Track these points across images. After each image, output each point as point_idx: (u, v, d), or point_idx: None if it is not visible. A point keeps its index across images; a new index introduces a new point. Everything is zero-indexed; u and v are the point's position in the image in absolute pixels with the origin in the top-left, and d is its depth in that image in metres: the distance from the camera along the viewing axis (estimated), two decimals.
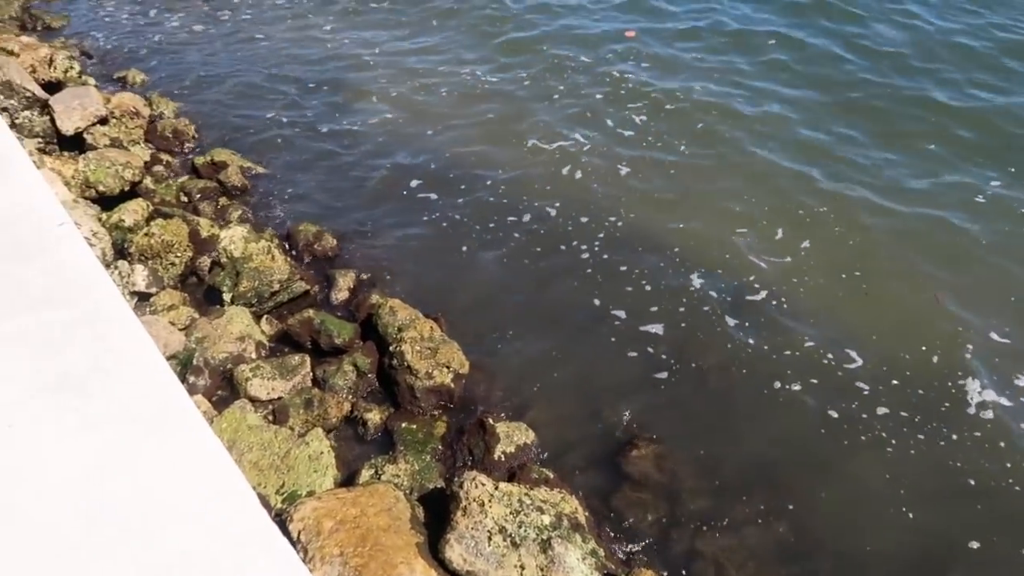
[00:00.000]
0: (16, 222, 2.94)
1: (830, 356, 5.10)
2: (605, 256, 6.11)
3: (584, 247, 6.21)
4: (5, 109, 7.27)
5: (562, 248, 6.22)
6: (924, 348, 5.15)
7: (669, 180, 7.02)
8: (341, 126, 8.09)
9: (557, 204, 6.72)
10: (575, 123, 7.96)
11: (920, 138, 7.55)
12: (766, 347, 5.19)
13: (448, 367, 4.73)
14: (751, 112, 8.08)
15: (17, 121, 7.32)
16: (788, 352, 5.14)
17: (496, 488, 3.67)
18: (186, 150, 7.67)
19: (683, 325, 5.40)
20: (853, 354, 5.11)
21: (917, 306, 5.54)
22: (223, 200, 6.75)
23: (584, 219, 6.52)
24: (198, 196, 6.74)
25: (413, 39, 10.11)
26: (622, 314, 5.51)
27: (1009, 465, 4.34)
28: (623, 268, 5.97)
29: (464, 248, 6.25)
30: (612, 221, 6.49)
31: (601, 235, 6.34)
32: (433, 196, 6.90)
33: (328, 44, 10.01)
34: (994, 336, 5.24)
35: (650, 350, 5.20)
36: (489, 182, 7.09)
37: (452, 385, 4.70)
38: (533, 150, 7.57)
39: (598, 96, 8.45)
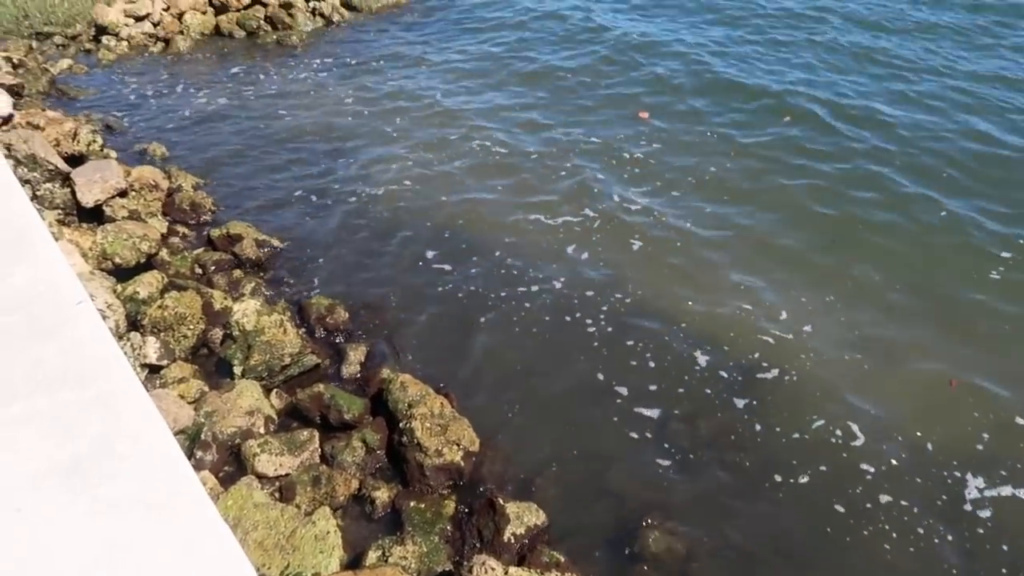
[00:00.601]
0: (35, 299, 2.98)
1: (837, 435, 5.06)
2: (611, 330, 6.13)
3: (590, 321, 6.23)
4: (28, 182, 7.43)
5: (569, 321, 6.24)
6: (931, 434, 5.10)
7: (677, 255, 7.08)
8: (358, 198, 8.22)
9: (563, 278, 6.78)
10: (584, 198, 8.08)
11: (928, 209, 7.62)
12: (775, 427, 5.15)
13: (458, 444, 4.68)
14: (760, 187, 8.19)
15: (39, 193, 7.48)
16: (796, 433, 5.10)
17: (506, 573, 3.58)
18: (203, 222, 7.79)
19: (690, 404, 5.38)
20: (859, 434, 5.07)
21: (929, 389, 5.50)
22: (237, 273, 6.82)
23: (590, 293, 6.56)
24: (213, 268, 6.82)
25: (434, 110, 10.37)
26: (628, 391, 5.50)
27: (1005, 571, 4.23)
28: (630, 343, 5.97)
29: (474, 321, 6.27)
30: (619, 296, 6.52)
31: (607, 309, 6.36)
32: (445, 267, 6.97)
33: (348, 117, 10.27)
34: (1011, 426, 5.17)
35: (657, 429, 5.17)
36: (499, 253, 7.17)
37: (462, 463, 4.65)
38: (542, 223, 7.66)
39: (608, 172, 8.59)
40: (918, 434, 5.09)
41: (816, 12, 13.88)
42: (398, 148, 9.30)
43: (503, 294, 6.59)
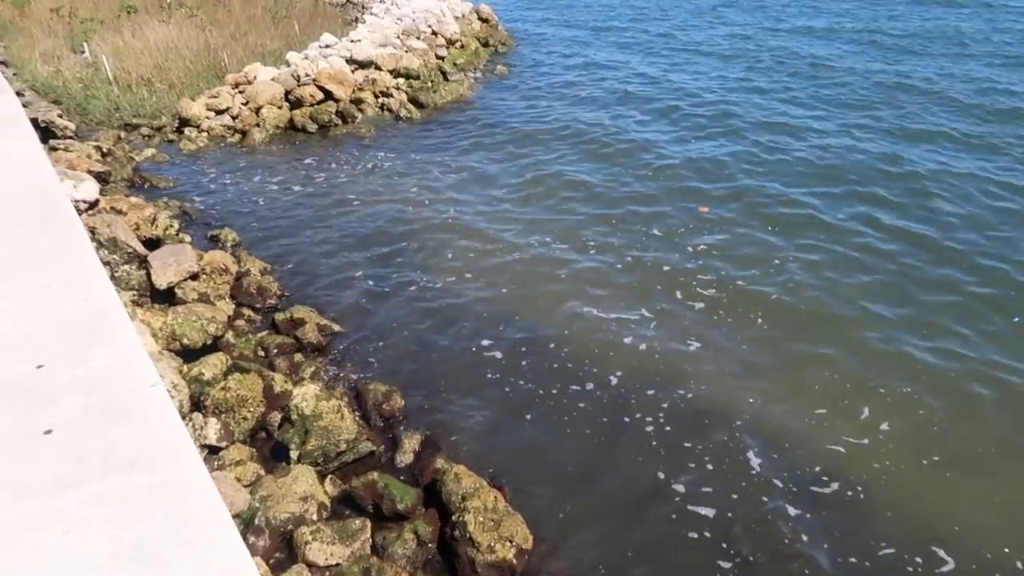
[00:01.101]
0: (113, 381, 3.08)
1: (917, 561, 4.75)
2: (669, 429, 6.00)
3: (648, 419, 6.12)
4: (108, 263, 7.81)
5: (626, 420, 6.14)
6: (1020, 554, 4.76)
7: (739, 356, 6.95)
8: (418, 287, 8.38)
9: (619, 373, 6.71)
10: (642, 294, 8.07)
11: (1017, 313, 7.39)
12: (836, 546, 4.87)
13: (511, 541, 4.58)
14: (829, 287, 8.06)
15: (117, 274, 7.84)
16: (856, 556, 4.81)
17: None
18: (268, 306, 8.02)
19: (743, 510, 5.18)
20: (943, 557, 4.76)
21: (1018, 501, 5.17)
22: (298, 356, 6.96)
23: (649, 391, 6.46)
24: (275, 352, 6.97)
25: (496, 204, 10.61)
26: (683, 491, 5.35)
27: None
28: (687, 444, 5.83)
29: (530, 414, 6.22)
30: (679, 394, 6.40)
31: (665, 407, 6.25)
32: (501, 359, 6.98)
33: (412, 208, 10.58)
34: None
35: (710, 534, 4.99)
36: (554, 346, 7.17)
37: (514, 561, 4.53)
38: (599, 319, 7.65)
39: (666, 268, 8.59)
40: (1005, 552, 4.77)
41: (872, 96, 13.99)
42: (459, 240, 9.50)
43: (559, 387, 6.55)
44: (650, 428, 6.01)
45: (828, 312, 7.59)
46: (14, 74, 16.41)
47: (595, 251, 9.12)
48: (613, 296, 8.05)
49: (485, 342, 7.25)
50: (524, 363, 6.91)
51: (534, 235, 9.54)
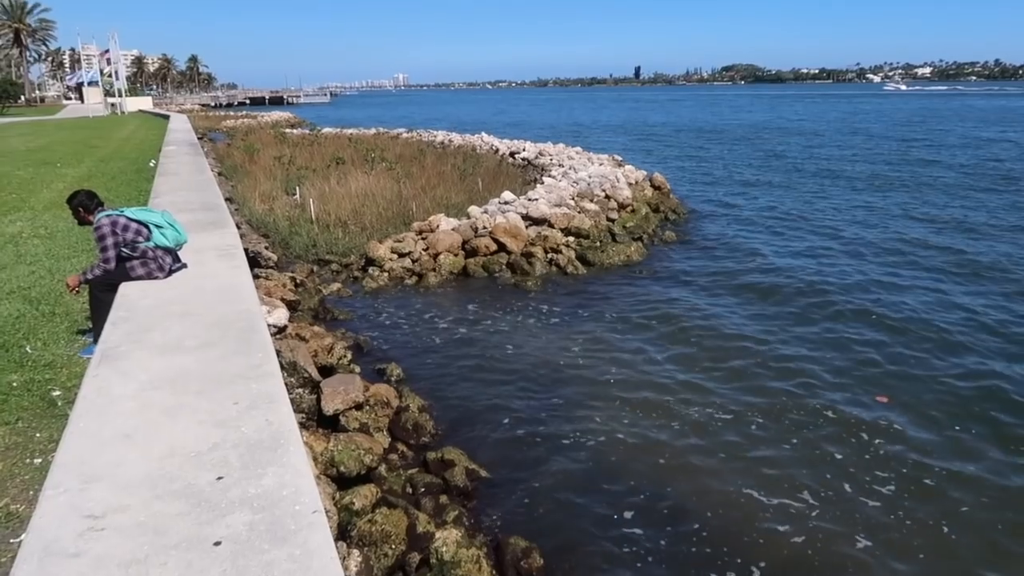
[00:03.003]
0: (279, 503, 3.24)
1: None
2: None
3: None
4: (286, 384, 8.38)
5: None
6: None
7: (925, 567, 6.19)
8: (571, 443, 8.28)
9: (763, 563, 6.15)
10: (806, 480, 7.49)
11: None
12: None
13: None
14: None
15: (291, 396, 8.35)
16: None
17: None
18: (422, 443, 8.20)
19: None
20: None
21: None
22: (444, 498, 6.98)
23: None
24: (422, 490, 7.05)
25: (656, 368, 10.47)
26: None
27: None
28: None
29: None
30: None
31: None
32: (642, 535, 6.62)
33: (572, 363, 10.65)
34: None
35: None
36: (698, 526, 6.72)
37: None
38: (755, 501, 7.15)
39: (838, 456, 7.97)
40: None
41: None
42: (615, 401, 9.39)
43: (702, 571, 6.09)
44: None
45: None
46: (235, 209, 18.71)
47: (757, 428, 8.67)
48: (774, 479, 7.53)
49: (628, 514, 6.93)
50: (664, 543, 6.50)
51: (693, 405, 9.25)
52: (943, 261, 16.43)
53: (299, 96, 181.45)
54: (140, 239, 7.05)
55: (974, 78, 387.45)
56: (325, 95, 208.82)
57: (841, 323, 12.31)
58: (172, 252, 7.42)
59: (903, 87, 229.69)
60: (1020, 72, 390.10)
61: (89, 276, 6.88)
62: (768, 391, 9.65)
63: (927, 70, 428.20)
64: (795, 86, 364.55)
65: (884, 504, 7.07)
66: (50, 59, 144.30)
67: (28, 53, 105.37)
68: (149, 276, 7.13)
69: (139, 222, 7.05)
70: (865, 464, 7.80)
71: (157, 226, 7.15)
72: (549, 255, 16.02)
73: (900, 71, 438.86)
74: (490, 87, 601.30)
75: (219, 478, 3.45)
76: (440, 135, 41.44)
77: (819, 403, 9.26)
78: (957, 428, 8.61)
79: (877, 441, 8.30)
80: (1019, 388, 9.61)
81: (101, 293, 6.79)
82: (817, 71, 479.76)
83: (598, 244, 17.16)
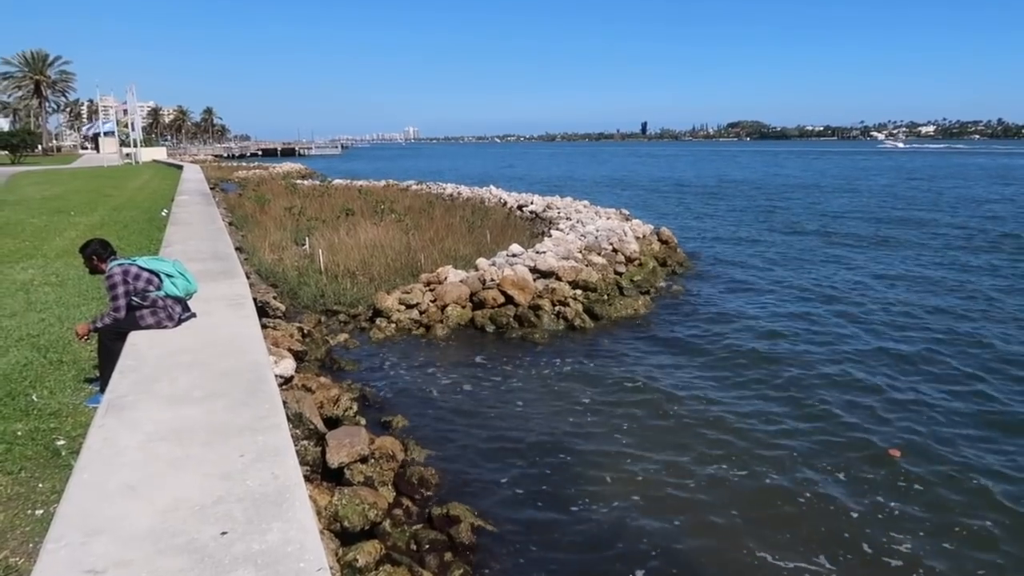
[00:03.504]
0: (284, 559, 3.17)
1: None
2: None
3: None
4: (291, 436, 8.30)
5: None
6: None
7: None
8: (579, 506, 8.10)
9: None
10: (822, 544, 7.32)
11: None
12: None
13: None
14: None
15: (295, 448, 8.28)
16: None
17: None
18: (427, 497, 8.08)
19: None
20: None
21: None
22: (449, 555, 6.84)
23: None
24: (427, 547, 6.92)
25: (666, 427, 10.34)
26: None
27: None
28: None
29: None
30: None
31: None
32: None
33: (580, 417, 10.56)
34: None
35: None
36: None
37: None
38: (769, 563, 6.98)
39: (853, 515, 7.81)
40: None
41: None
42: (625, 459, 9.24)
43: None
44: None
45: None
46: (245, 259, 18.84)
47: (769, 487, 8.51)
48: (788, 540, 7.36)
49: (639, 573, 6.78)
50: None
51: (707, 465, 9.07)
52: (952, 323, 16.35)
53: (311, 148, 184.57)
54: (151, 288, 7.08)
55: (977, 136, 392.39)
56: (336, 147, 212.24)
57: (847, 380, 12.19)
58: (182, 301, 7.44)
59: (900, 145, 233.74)
60: (1022, 131, 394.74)
61: (99, 324, 6.89)
62: (778, 448, 9.51)
63: (931, 128, 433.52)
64: (799, 142, 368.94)
65: (905, 562, 6.89)
66: (68, 110, 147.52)
67: (47, 104, 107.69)
68: (158, 325, 7.14)
69: (150, 271, 7.10)
70: (881, 522, 7.63)
71: (168, 275, 7.19)
72: (557, 308, 16.01)
73: (904, 129, 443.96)
74: (499, 141, 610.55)
75: (223, 533, 3.39)
76: (449, 188, 41.92)
77: (831, 462, 9.11)
78: (974, 482, 8.44)
79: (893, 497, 8.15)
80: None
81: (110, 342, 6.80)
82: (822, 128, 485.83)
83: (606, 297, 17.16)
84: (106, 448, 4.38)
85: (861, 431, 10.03)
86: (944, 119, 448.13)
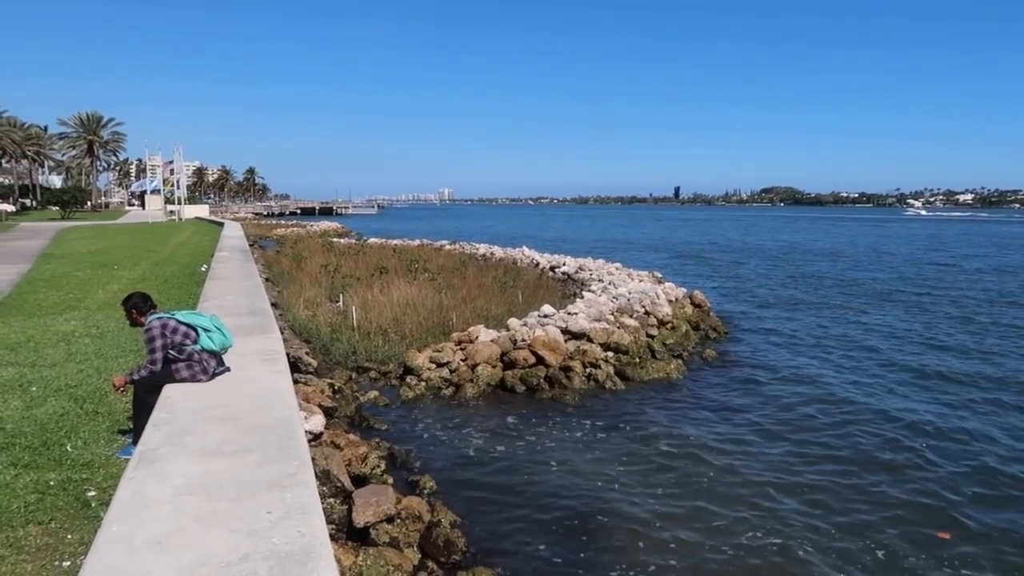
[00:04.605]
0: None
1: None
2: None
3: None
4: (318, 494, 8.25)
5: None
6: None
7: None
8: (608, 569, 7.92)
9: None
10: None
11: None
12: None
13: None
14: None
15: (322, 506, 8.22)
16: None
17: None
18: (452, 561, 7.92)
19: None
20: None
21: None
22: None
23: None
24: None
25: (700, 493, 10.09)
26: None
27: None
28: None
29: None
30: None
31: None
32: None
33: (613, 483, 10.34)
34: None
35: None
36: None
37: None
38: None
39: None
40: None
41: None
42: (660, 522, 9.04)
43: None
44: None
45: None
46: (280, 314, 19.08)
47: (809, 563, 8.20)
48: None
49: None
50: None
51: (740, 534, 8.82)
52: (987, 386, 15.86)
53: (348, 207, 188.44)
54: (188, 342, 7.19)
55: (1017, 205, 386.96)
56: (373, 207, 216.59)
57: (886, 455, 11.81)
58: (217, 355, 7.53)
59: (923, 212, 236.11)
60: None
61: (135, 377, 6.99)
62: (816, 526, 9.19)
63: (968, 196, 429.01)
64: (832, 209, 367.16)
65: None
66: (118, 168, 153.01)
67: (99, 162, 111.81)
68: (193, 379, 7.22)
69: (188, 325, 7.22)
70: None
71: (205, 329, 7.29)
72: (588, 370, 15.89)
73: (941, 197, 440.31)
74: (532, 203, 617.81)
75: None
76: (482, 248, 42.32)
77: (870, 539, 8.77)
78: None
79: None
80: None
81: (145, 394, 6.88)
82: (857, 195, 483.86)
83: (637, 360, 17.01)
84: (135, 501, 4.39)
85: (904, 508, 9.67)
86: (983, 187, 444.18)
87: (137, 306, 7.31)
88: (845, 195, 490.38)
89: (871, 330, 23.38)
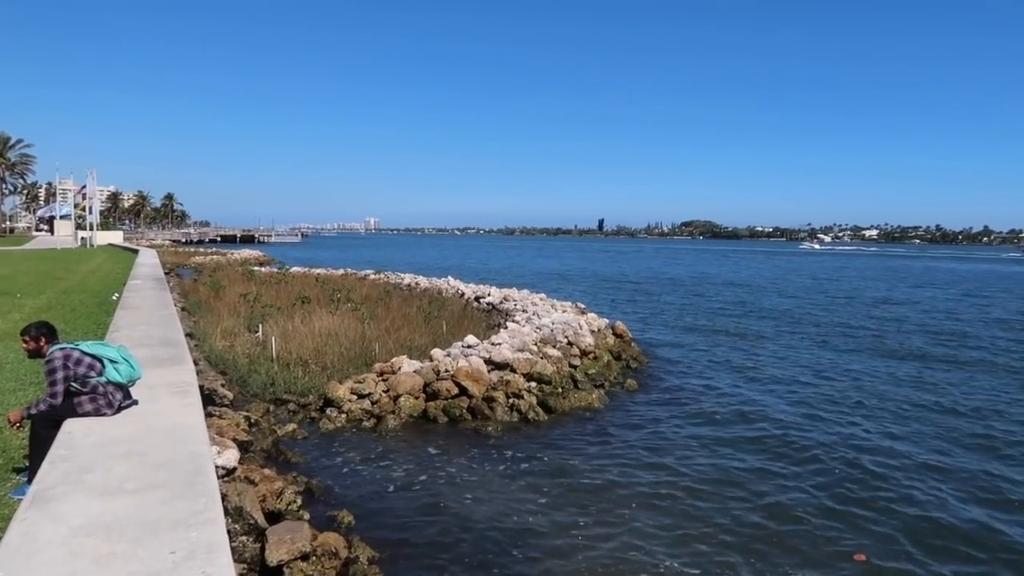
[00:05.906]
0: None
1: None
2: None
3: None
4: (229, 531, 7.97)
5: None
6: None
7: None
8: None
9: None
10: None
11: None
12: None
13: None
14: None
15: (233, 544, 7.94)
16: None
17: None
18: None
19: None
20: None
21: None
22: None
23: None
24: None
25: (624, 520, 10.14)
26: None
27: None
28: None
29: None
30: None
31: None
32: None
33: (538, 515, 10.29)
34: None
35: None
36: None
37: None
38: None
39: None
40: None
41: None
42: (581, 551, 9.08)
43: None
44: None
45: None
46: (195, 345, 18.47)
47: None
48: None
49: None
50: None
51: (662, 559, 8.95)
52: (910, 403, 16.67)
53: (270, 235, 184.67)
54: (92, 374, 6.89)
55: (917, 241, 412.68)
56: (296, 235, 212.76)
57: (803, 474, 12.24)
58: (123, 388, 7.24)
59: (816, 246, 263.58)
60: (959, 238, 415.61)
61: (33, 411, 6.65)
62: (737, 550, 9.40)
63: (873, 232, 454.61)
64: (747, 242, 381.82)
65: None
66: (26, 192, 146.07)
67: (5, 185, 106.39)
68: (97, 412, 6.91)
69: (93, 356, 6.93)
70: None
71: (112, 361, 7.02)
72: (511, 400, 15.91)
73: (849, 232, 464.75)
74: (459, 233, 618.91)
75: None
76: (407, 278, 42.06)
77: (789, 558, 9.04)
78: None
79: None
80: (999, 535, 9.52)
81: (43, 430, 6.54)
82: (771, 229, 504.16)
83: (560, 390, 17.14)
84: (26, 544, 4.16)
85: (822, 530, 10.00)
86: (886, 223, 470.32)
87: (37, 336, 6.98)
88: (760, 229, 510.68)
89: (779, 357, 24.24)
